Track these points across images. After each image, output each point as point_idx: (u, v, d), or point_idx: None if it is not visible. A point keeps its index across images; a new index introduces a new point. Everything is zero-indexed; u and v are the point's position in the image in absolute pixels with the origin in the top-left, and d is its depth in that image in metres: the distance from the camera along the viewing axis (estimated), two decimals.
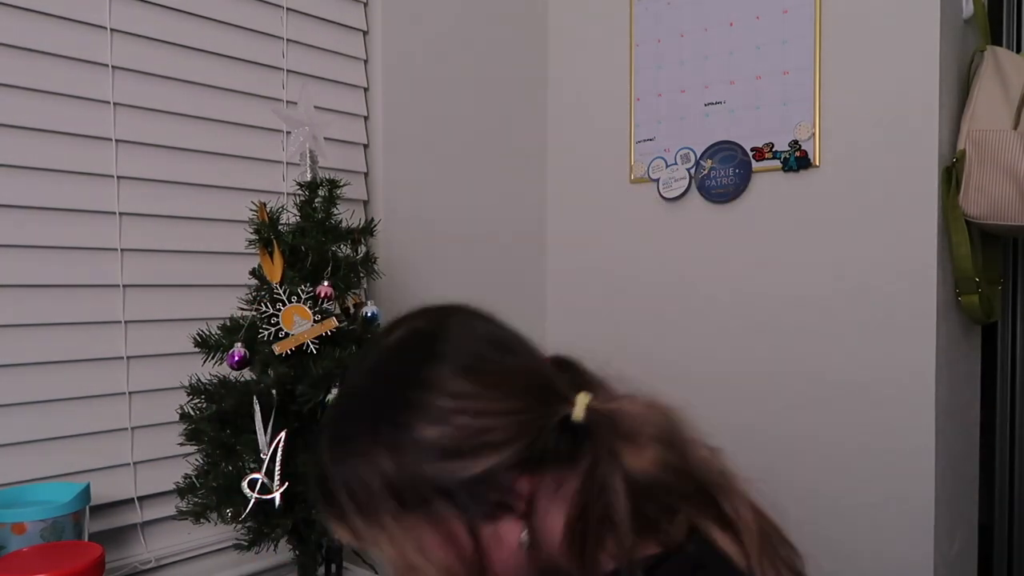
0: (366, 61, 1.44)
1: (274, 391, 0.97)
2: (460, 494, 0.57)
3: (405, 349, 0.64)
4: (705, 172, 1.49)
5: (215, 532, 1.15)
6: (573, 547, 0.58)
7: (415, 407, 0.58)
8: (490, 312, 0.67)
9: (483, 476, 0.57)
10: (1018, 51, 1.50)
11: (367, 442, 0.60)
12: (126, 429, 1.13)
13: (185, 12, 1.18)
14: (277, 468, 0.94)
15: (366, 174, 1.45)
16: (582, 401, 0.59)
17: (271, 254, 1.04)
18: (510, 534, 0.59)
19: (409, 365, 0.61)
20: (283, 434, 0.95)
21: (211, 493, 0.98)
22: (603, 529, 0.57)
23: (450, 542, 0.58)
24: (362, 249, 1.15)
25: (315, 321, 1.00)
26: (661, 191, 1.55)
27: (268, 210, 1.06)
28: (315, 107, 1.14)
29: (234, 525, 0.98)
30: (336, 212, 1.10)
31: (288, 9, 1.30)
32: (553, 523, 0.59)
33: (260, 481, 0.94)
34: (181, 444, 1.01)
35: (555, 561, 0.59)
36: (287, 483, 0.94)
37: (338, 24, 1.39)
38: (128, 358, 1.13)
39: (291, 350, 0.99)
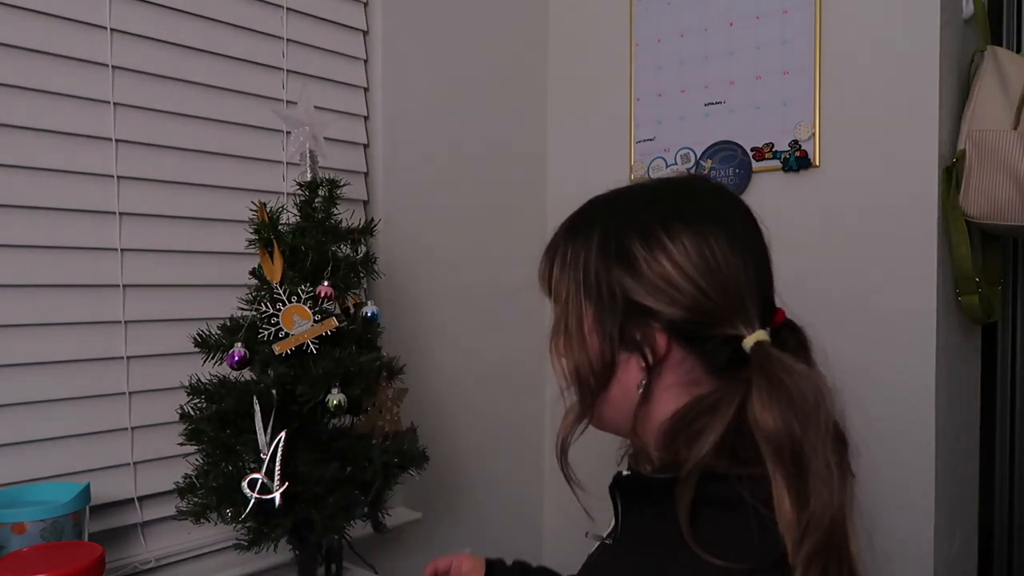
0: (366, 61, 1.44)
1: (274, 391, 0.97)
2: (624, 310, 0.68)
3: (680, 189, 0.74)
4: (705, 172, 1.49)
5: (215, 532, 1.15)
6: (666, 434, 0.67)
7: (646, 229, 0.68)
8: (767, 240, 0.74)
9: (645, 310, 0.67)
10: (1018, 51, 1.49)
11: (596, 231, 0.72)
12: (126, 429, 1.13)
13: (185, 12, 1.18)
14: (277, 468, 0.94)
15: (366, 174, 1.45)
16: (758, 335, 0.65)
17: (271, 254, 1.04)
18: (631, 373, 0.69)
19: (672, 200, 0.71)
20: (283, 434, 0.95)
21: (211, 493, 0.98)
22: (694, 439, 0.63)
23: (599, 336, 0.70)
24: (362, 249, 1.15)
25: (315, 321, 1.00)
26: None
27: (268, 210, 1.06)
28: (315, 107, 1.14)
29: (234, 525, 0.98)
30: (336, 212, 1.10)
31: (288, 9, 1.30)
32: (667, 402, 0.69)
33: (260, 481, 0.94)
34: (181, 444, 1.01)
35: (647, 431, 0.70)
36: (287, 483, 0.94)
37: (338, 24, 1.38)
38: (128, 358, 1.13)
39: (291, 350, 0.99)
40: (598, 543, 0.73)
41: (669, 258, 0.67)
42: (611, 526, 0.74)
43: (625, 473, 0.71)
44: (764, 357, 0.64)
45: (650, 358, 0.68)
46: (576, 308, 0.72)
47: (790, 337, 0.75)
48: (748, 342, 0.65)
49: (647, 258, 0.67)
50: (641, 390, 0.69)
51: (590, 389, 0.71)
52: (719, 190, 0.76)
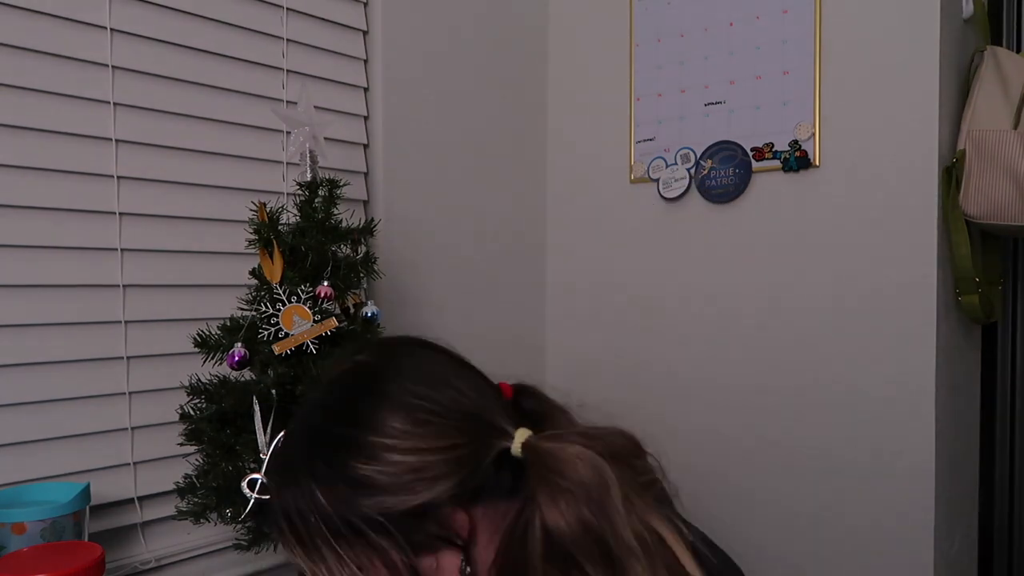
0: (366, 61, 1.44)
1: (274, 391, 0.97)
2: (397, 528, 0.59)
3: (346, 385, 0.66)
4: (705, 172, 1.49)
5: (215, 532, 1.15)
6: None
7: (350, 445, 0.60)
8: (444, 344, 0.69)
9: (419, 510, 0.59)
10: (1018, 51, 1.49)
11: (304, 476, 0.61)
12: (126, 429, 1.13)
13: (185, 12, 1.18)
14: None
15: (366, 174, 1.45)
16: (520, 436, 0.60)
17: (271, 254, 1.04)
18: (451, 564, 0.61)
19: (347, 402, 0.63)
20: (282, 434, 0.95)
21: (211, 493, 0.98)
22: (519, 572, 0.57)
23: (390, 572, 0.59)
24: (362, 249, 1.15)
25: (315, 321, 1.00)
26: (661, 191, 1.55)
27: (268, 210, 1.06)
28: (315, 107, 1.14)
29: (234, 525, 0.98)
30: (336, 212, 1.10)
31: (288, 9, 1.30)
32: (489, 556, 0.61)
33: (260, 481, 0.94)
34: (181, 444, 1.01)
35: None
36: None
37: (338, 24, 1.39)
38: (128, 358, 1.13)
39: (291, 350, 0.99)
40: None
41: (395, 450, 0.59)
42: None
43: None
44: (536, 457, 0.59)
45: (459, 539, 0.60)
46: (344, 567, 0.60)
47: (527, 401, 0.70)
48: (516, 449, 0.60)
49: (377, 468, 0.59)
50: (467, 570, 0.61)
51: None
52: (379, 354, 0.69)
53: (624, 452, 0.62)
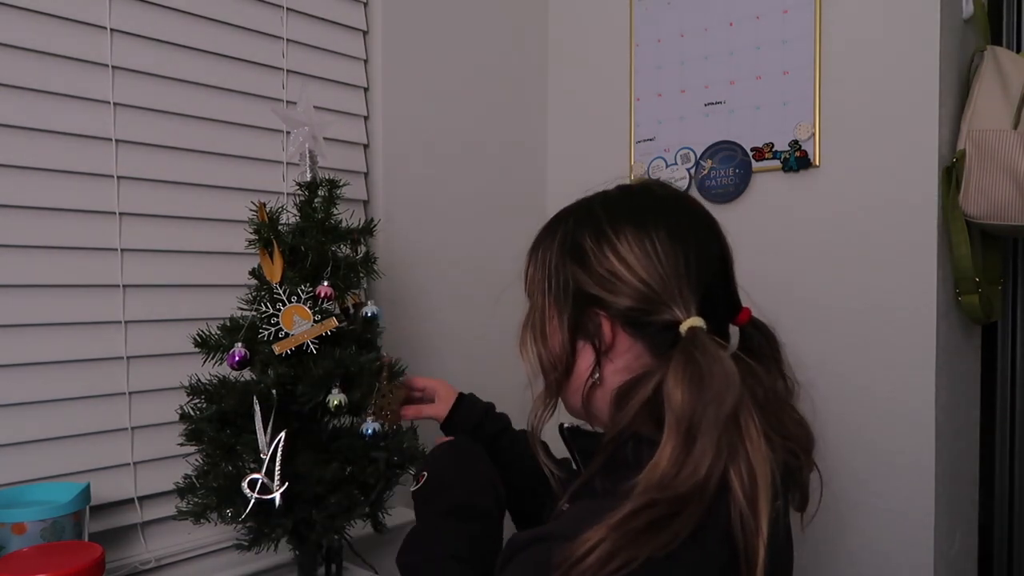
0: (366, 61, 1.44)
1: (274, 391, 0.97)
2: (578, 301, 0.74)
3: (628, 197, 0.79)
4: (705, 172, 1.49)
5: (215, 532, 1.15)
6: (610, 408, 0.73)
7: (593, 233, 0.75)
8: (721, 232, 0.81)
9: (594, 299, 0.73)
10: (1018, 51, 1.50)
11: (556, 237, 0.79)
12: (126, 429, 1.13)
13: (185, 12, 1.18)
14: (277, 468, 0.94)
15: (366, 174, 1.45)
16: (693, 321, 0.69)
17: (271, 254, 1.04)
18: (587, 362, 0.75)
19: (619, 209, 0.77)
20: (283, 434, 0.95)
21: (211, 493, 0.98)
22: (624, 408, 0.69)
23: (558, 327, 0.76)
24: (362, 249, 1.15)
25: (315, 321, 1.00)
26: None
27: (268, 210, 1.06)
28: (315, 107, 1.14)
29: (234, 525, 0.98)
30: (336, 212, 1.10)
31: (288, 9, 1.30)
32: (615, 384, 0.73)
33: (260, 481, 0.94)
34: (181, 444, 1.01)
35: (602, 412, 0.75)
36: (287, 483, 0.94)
37: (338, 24, 1.39)
38: (128, 358, 1.13)
39: (291, 350, 0.99)
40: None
41: (615, 252, 0.73)
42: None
43: (566, 425, 0.80)
44: (691, 340, 0.67)
45: (599, 345, 0.74)
46: (540, 302, 0.78)
47: (755, 335, 0.80)
48: (684, 327, 0.69)
49: (596, 252, 0.74)
50: (595, 375, 0.75)
51: (554, 377, 0.78)
52: (668, 191, 0.82)
53: (774, 403, 0.73)
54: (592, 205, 0.80)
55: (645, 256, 0.72)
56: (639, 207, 0.76)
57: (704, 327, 0.69)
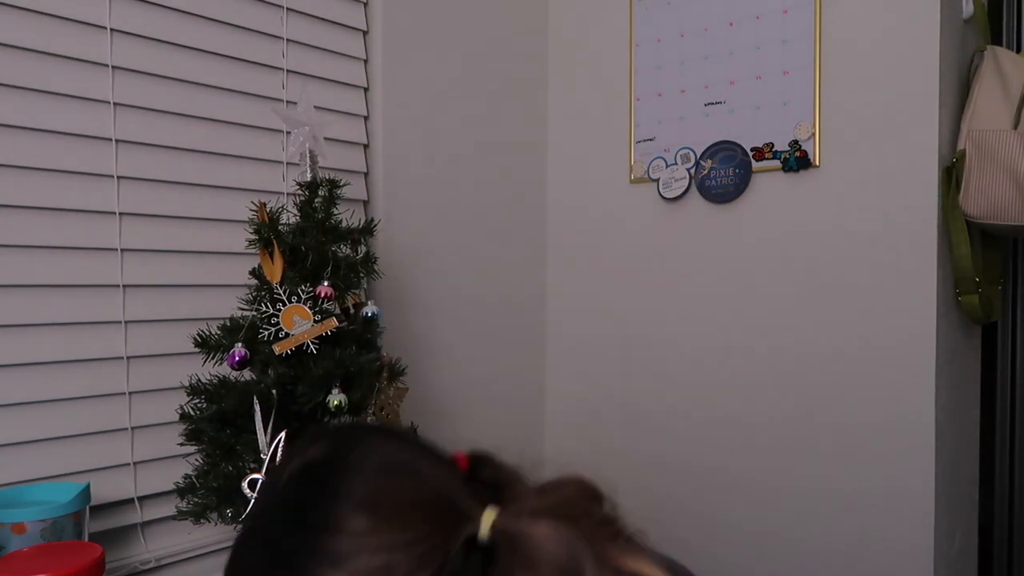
0: (366, 61, 1.44)
1: (274, 391, 0.97)
2: None
3: (299, 487, 0.60)
4: (705, 172, 1.49)
5: (215, 532, 1.15)
6: None
7: (311, 551, 0.55)
8: (394, 426, 0.65)
9: None
10: (1018, 51, 1.50)
11: None
12: (126, 429, 1.13)
13: (185, 12, 1.18)
14: None
15: (366, 174, 1.45)
16: (487, 519, 0.55)
17: (271, 254, 1.04)
18: None
19: (302, 506, 0.58)
20: (283, 434, 0.95)
21: (211, 493, 0.98)
22: None
23: None
24: (362, 249, 1.15)
25: (315, 321, 1.00)
26: (661, 191, 1.55)
27: (268, 210, 1.06)
28: (315, 107, 1.14)
29: (234, 525, 0.98)
30: (336, 212, 1.10)
31: (288, 9, 1.30)
32: None
33: (260, 481, 0.94)
34: (181, 444, 1.01)
35: None
36: None
37: (338, 24, 1.39)
38: (128, 358, 1.13)
39: (291, 350, 0.99)
40: None
41: (360, 551, 0.54)
42: None
43: None
44: (506, 542, 0.54)
45: None
46: None
47: (485, 471, 0.65)
48: (483, 534, 0.55)
49: (342, 573, 0.54)
50: None
51: None
52: (329, 449, 0.63)
53: (583, 502, 0.57)
54: (264, 540, 0.60)
55: (385, 521, 0.53)
56: (335, 490, 0.57)
57: (496, 511, 0.54)
